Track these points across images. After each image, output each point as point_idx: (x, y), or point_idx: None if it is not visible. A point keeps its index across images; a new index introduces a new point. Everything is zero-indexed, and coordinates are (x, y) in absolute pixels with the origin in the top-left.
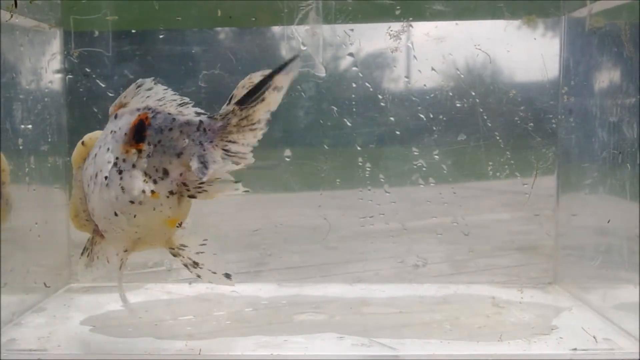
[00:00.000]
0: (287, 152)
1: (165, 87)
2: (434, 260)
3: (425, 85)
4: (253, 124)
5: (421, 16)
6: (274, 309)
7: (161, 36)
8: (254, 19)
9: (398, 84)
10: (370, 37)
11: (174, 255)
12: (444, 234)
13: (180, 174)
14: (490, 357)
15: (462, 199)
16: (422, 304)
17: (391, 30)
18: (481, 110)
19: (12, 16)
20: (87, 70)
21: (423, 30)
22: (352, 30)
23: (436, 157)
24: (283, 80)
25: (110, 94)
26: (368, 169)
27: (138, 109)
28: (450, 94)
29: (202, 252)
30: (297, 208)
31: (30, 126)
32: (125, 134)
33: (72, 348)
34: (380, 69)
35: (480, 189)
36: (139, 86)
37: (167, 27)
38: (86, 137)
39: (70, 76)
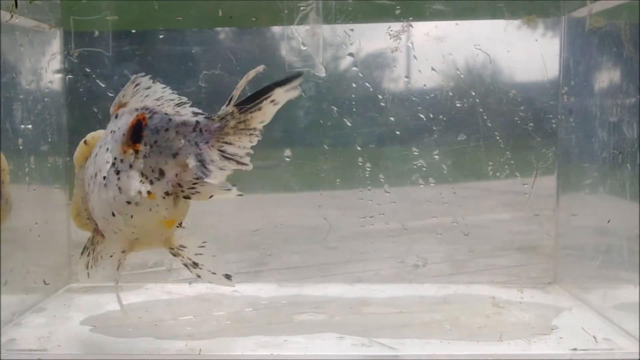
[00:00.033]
0: (287, 152)
1: (164, 86)
2: (434, 260)
3: (425, 85)
4: (250, 129)
5: (421, 16)
6: (274, 309)
7: (161, 36)
8: (254, 19)
9: (398, 84)
10: (370, 37)
11: (174, 255)
12: (444, 234)
13: (176, 175)
14: (490, 357)
15: (462, 199)
16: (422, 304)
17: (391, 30)
18: (481, 110)
19: (12, 16)
20: (87, 70)
21: (423, 30)
22: (352, 30)
23: (436, 157)
24: (281, 96)
25: (110, 94)
26: (368, 169)
27: (137, 109)
28: (450, 94)
29: (200, 254)
30: (297, 208)
31: (30, 126)
32: (124, 134)
33: (72, 348)
34: (380, 69)
35: (480, 189)
36: (136, 85)
37: (167, 27)
38: (89, 136)
39: (70, 76)
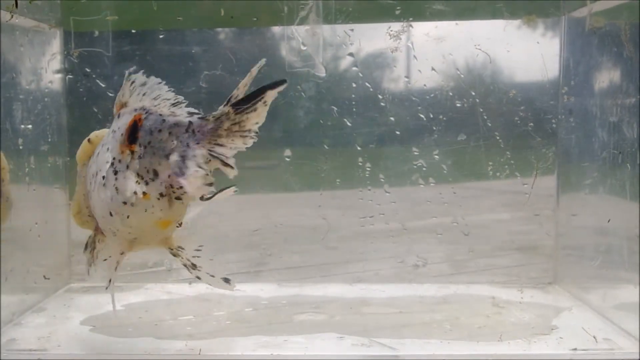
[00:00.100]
0: (287, 152)
1: (159, 80)
2: (434, 260)
3: (425, 85)
4: (244, 130)
5: (421, 16)
6: (274, 309)
7: (161, 36)
8: (255, 19)
9: (398, 84)
10: (370, 37)
11: (174, 256)
12: (444, 234)
13: (169, 176)
14: (490, 357)
15: (462, 199)
16: (422, 304)
17: (391, 30)
18: (481, 110)
19: (12, 16)
20: (87, 70)
21: (423, 30)
22: (352, 30)
23: (436, 157)
24: (270, 97)
25: (110, 94)
26: (368, 169)
27: (135, 109)
28: (450, 94)
29: (198, 257)
30: (297, 208)
31: (30, 126)
32: (122, 134)
33: (72, 348)
34: (380, 69)
35: (480, 189)
36: (132, 82)
37: (167, 27)
38: (92, 135)
39: (70, 76)
